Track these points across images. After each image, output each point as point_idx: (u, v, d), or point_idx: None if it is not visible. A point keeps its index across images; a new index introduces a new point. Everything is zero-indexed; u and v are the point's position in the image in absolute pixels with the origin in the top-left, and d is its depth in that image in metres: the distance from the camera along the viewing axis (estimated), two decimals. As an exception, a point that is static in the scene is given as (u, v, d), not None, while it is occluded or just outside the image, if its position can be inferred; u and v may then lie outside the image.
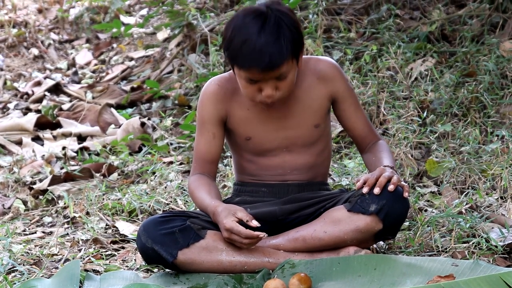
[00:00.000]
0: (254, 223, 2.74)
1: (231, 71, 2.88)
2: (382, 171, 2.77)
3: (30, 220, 3.60)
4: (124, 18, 6.63)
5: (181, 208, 3.52)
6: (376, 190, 2.73)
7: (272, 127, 2.90)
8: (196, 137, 2.96)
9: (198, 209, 2.95)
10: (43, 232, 3.44)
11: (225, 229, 2.75)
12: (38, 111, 5.23)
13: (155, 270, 2.93)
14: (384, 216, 2.75)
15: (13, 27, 6.77)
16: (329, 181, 3.59)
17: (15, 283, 2.78)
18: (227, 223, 2.73)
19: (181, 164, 4.08)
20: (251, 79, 2.74)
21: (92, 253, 3.12)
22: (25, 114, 5.21)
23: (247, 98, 2.83)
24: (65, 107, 5.22)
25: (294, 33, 2.74)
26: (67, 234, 3.36)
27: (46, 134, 4.81)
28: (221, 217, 2.76)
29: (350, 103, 2.95)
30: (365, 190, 2.75)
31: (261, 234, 2.74)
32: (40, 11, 7.17)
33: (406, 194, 2.75)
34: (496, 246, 2.87)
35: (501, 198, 3.39)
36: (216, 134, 2.91)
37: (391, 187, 2.73)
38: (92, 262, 3.03)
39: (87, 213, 3.54)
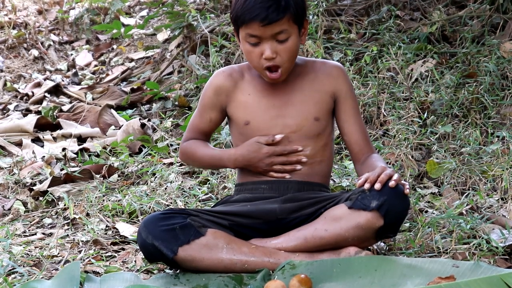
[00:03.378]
0: (278, 137, 2.91)
1: (241, 63, 2.98)
2: (383, 169, 2.79)
3: (30, 222, 3.60)
4: (124, 19, 6.63)
5: (181, 210, 3.52)
6: (377, 186, 2.75)
7: (272, 114, 2.95)
8: (195, 112, 3.07)
9: (198, 207, 2.94)
10: (43, 234, 3.44)
11: (267, 155, 2.89)
12: (38, 113, 5.22)
13: (155, 271, 2.93)
14: (385, 212, 2.75)
15: (13, 28, 6.77)
16: (330, 182, 3.59)
17: (15, 285, 2.77)
18: (266, 149, 2.90)
19: (181, 165, 4.08)
20: (252, 35, 2.84)
21: (92, 255, 3.12)
22: (25, 115, 5.20)
23: (253, 66, 2.92)
24: (65, 108, 5.22)
25: None
26: (67, 235, 3.36)
27: (46, 135, 4.81)
28: (251, 149, 2.93)
29: (350, 106, 2.99)
30: (366, 186, 2.77)
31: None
32: (40, 12, 7.17)
33: (407, 191, 2.77)
34: (496, 247, 2.87)
35: (502, 199, 3.39)
36: (213, 119, 3.03)
37: (392, 183, 2.75)
38: (92, 263, 3.03)
39: (87, 215, 3.54)
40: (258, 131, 2.95)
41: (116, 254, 3.14)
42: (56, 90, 5.61)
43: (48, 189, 3.85)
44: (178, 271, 2.86)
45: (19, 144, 4.69)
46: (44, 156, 4.43)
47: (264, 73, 2.90)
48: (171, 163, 4.09)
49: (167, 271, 2.90)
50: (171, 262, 2.81)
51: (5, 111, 5.37)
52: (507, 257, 2.87)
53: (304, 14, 2.89)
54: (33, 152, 4.51)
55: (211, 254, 2.80)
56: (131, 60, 6.06)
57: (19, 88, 5.79)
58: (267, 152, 2.91)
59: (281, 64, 2.87)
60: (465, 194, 3.43)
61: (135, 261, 3.03)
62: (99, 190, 3.79)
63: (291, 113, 2.95)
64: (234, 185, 3.07)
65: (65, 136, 4.77)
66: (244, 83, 2.99)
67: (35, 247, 3.22)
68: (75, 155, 4.46)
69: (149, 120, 4.89)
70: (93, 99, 5.40)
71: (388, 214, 2.76)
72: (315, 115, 2.96)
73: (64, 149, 4.48)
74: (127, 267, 3.00)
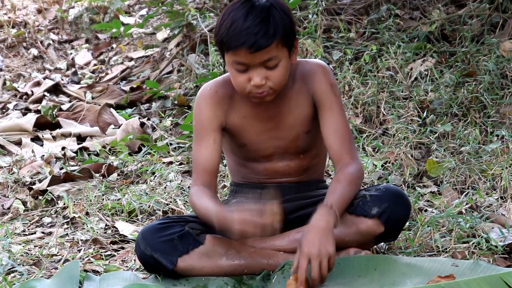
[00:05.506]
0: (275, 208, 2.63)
1: (225, 74, 2.85)
2: (305, 255, 2.60)
3: (30, 221, 3.60)
4: (124, 18, 6.63)
5: (181, 209, 3.52)
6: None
7: (266, 137, 2.87)
8: (195, 146, 2.86)
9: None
10: (43, 233, 3.44)
11: (237, 221, 2.59)
12: (37, 112, 5.22)
13: (155, 270, 2.93)
14: (385, 220, 2.74)
15: (13, 27, 6.77)
16: (328, 180, 3.59)
17: (14, 284, 2.78)
18: (238, 215, 2.60)
19: (180, 164, 4.08)
20: (239, 63, 2.68)
21: (92, 254, 3.12)
22: (24, 114, 5.21)
23: (238, 90, 2.75)
24: (64, 107, 5.22)
25: (284, 17, 2.68)
26: (67, 234, 3.36)
27: (46, 134, 4.81)
28: (231, 213, 2.63)
29: (328, 108, 2.80)
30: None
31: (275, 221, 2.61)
32: (39, 11, 7.16)
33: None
34: (496, 246, 2.87)
35: (501, 198, 3.40)
36: (216, 140, 2.83)
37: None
38: (92, 262, 3.03)
39: (87, 214, 3.54)
40: (253, 151, 2.88)
41: (115, 253, 3.14)
42: (56, 89, 5.61)
43: (48, 188, 3.85)
44: (177, 270, 2.85)
45: (18, 143, 4.69)
46: (43, 155, 4.43)
47: (250, 95, 2.74)
48: (171, 162, 4.09)
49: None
50: (171, 273, 2.78)
51: (4, 110, 5.37)
52: (506, 256, 2.87)
53: (293, 35, 2.73)
54: (33, 151, 4.51)
55: (210, 262, 2.78)
56: (131, 59, 6.06)
57: (18, 87, 5.79)
58: (240, 219, 2.60)
59: (271, 87, 2.71)
60: (465, 193, 3.43)
61: (134, 260, 3.03)
62: (99, 189, 3.79)
63: (283, 134, 2.86)
64: (229, 184, 3.07)
65: (65, 135, 4.77)
66: (236, 102, 2.84)
67: (35, 246, 3.22)
68: (75, 154, 4.46)
69: (148, 119, 4.89)
70: (93, 98, 5.40)
71: (389, 221, 2.75)
72: (305, 130, 2.86)
73: (63, 148, 4.48)
74: (126, 266, 3.00)
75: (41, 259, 3.06)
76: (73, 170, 4.03)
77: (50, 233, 3.42)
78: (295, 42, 2.75)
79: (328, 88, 2.82)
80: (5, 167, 4.29)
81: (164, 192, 3.67)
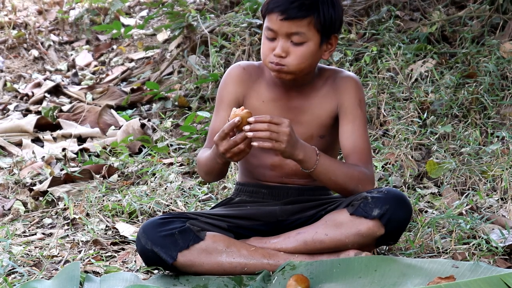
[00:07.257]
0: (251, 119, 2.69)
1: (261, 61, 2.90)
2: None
3: (30, 222, 3.60)
4: (124, 20, 6.63)
5: (181, 210, 3.52)
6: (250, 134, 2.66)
7: None
8: (213, 115, 2.96)
9: (197, 210, 2.94)
10: (43, 234, 3.44)
11: (215, 142, 2.69)
12: (38, 113, 5.23)
13: (155, 271, 2.93)
14: (386, 222, 2.74)
15: (13, 28, 6.77)
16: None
17: (15, 285, 2.78)
18: (215, 138, 2.70)
19: (181, 165, 4.08)
20: (270, 29, 2.74)
21: (92, 255, 3.12)
22: (25, 115, 5.21)
23: (262, 59, 2.82)
24: (65, 108, 5.22)
25: (328, 6, 2.74)
26: (67, 235, 3.36)
27: (46, 135, 4.81)
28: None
29: (351, 120, 2.85)
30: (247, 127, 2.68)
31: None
32: (40, 12, 7.17)
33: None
34: (496, 247, 2.87)
35: (502, 199, 3.40)
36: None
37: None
38: (92, 263, 3.03)
39: (87, 215, 3.54)
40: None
41: (116, 254, 3.15)
42: (56, 90, 5.61)
43: (48, 189, 3.85)
44: (178, 271, 2.86)
45: (19, 144, 4.69)
46: (44, 156, 4.43)
47: (269, 65, 2.79)
48: (171, 163, 4.09)
49: (167, 271, 2.90)
50: (170, 267, 2.80)
51: (5, 111, 5.37)
52: (506, 257, 2.87)
53: (332, 27, 2.77)
54: (33, 152, 4.51)
55: (210, 258, 2.79)
56: (131, 60, 6.06)
57: (19, 88, 5.79)
58: (216, 139, 2.70)
59: (288, 65, 2.76)
60: (465, 194, 3.43)
61: (135, 261, 3.03)
62: (99, 190, 3.79)
63: (296, 131, 2.82)
64: (234, 184, 3.07)
65: (65, 136, 4.78)
66: (260, 86, 2.91)
67: (35, 247, 3.22)
68: (75, 155, 4.46)
69: (149, 120, 4.89)
70: (93, 99, 5.40)
71: (390, 223, 2.75)
72: (320, 134, 2.89)
73: (64, 149, 4.49)
74: (127, 267, 3.00)
75: (41, 260, 3.06)
76: (74, 171, 4.03)
77: (50, 234, 3.42)
78: (333, 39, 2.81)
79: (357, 102, 2.87)
80: (5, 168, 4.29)
81: (165, 193, 3.67)
